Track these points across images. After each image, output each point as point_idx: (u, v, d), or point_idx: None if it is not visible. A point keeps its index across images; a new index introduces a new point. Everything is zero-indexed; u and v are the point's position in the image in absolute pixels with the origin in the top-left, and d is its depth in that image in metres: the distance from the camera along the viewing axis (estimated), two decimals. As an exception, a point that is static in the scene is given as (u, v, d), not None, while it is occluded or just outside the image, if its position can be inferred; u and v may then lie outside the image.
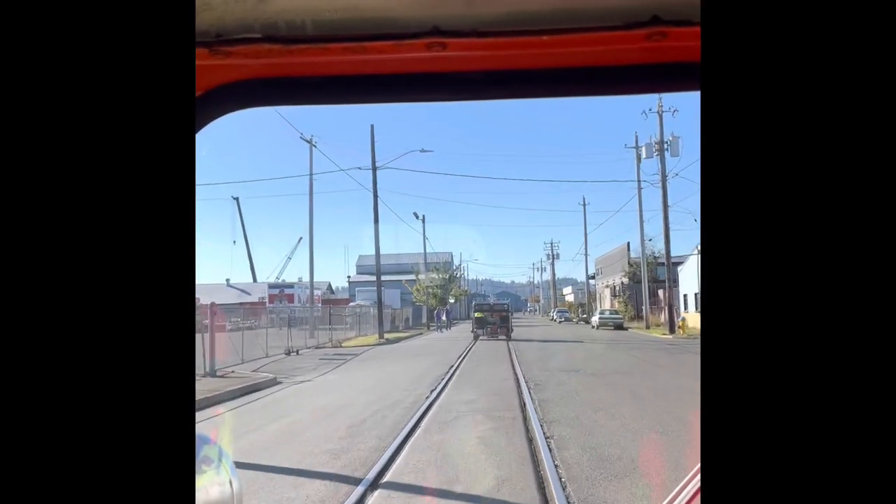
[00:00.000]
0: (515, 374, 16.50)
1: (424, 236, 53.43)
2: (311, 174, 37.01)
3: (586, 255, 65.93)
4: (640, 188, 41.32)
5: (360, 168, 35.98)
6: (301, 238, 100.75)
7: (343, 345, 31.40)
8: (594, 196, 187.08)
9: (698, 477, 1.49)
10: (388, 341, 33.66)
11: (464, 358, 21.81)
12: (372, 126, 34.72)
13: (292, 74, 1.19)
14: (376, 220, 35.62)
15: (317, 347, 29.47)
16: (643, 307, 52.56)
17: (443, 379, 15.59)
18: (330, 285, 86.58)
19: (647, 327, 40.80)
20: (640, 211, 41.71)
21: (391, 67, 1.18)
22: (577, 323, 60.32)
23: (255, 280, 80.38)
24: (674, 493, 1.59)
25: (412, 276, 60.56)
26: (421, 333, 43.66)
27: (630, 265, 58.19)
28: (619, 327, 43.58)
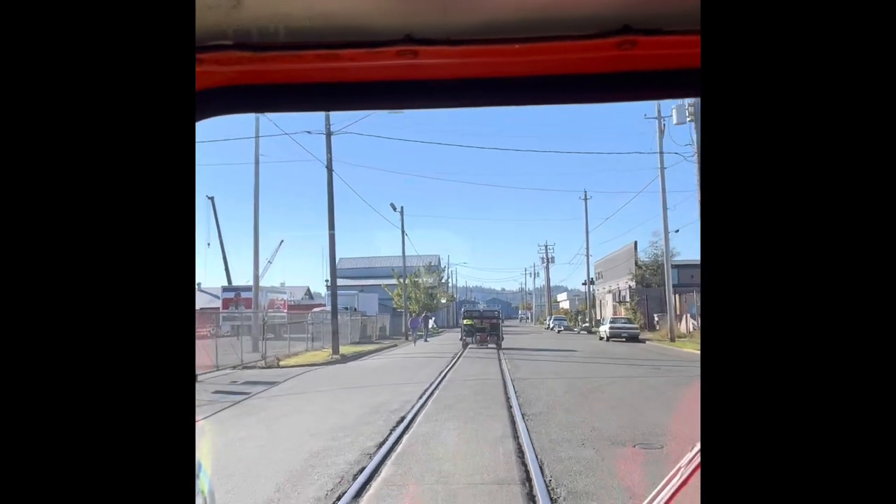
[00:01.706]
0: (522, 453, 7.56)
1: (403, 231, 44.61)
2: (256, 136, 27.97)
3: (588, 254, 57.18)
4: (662, 167, 32.48)
5: (310, 132, 26.62)
6: (282, 241, 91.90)
7: (282, 363, 22.43)
8: (597, 191, 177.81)
9: (684, 469, 1.55)
10: (343, 358, 24.67)
11: (431, 395, 12.81)
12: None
13: (264, 82, 1.16)
14: (330, 198, 26.57)
15: (242, 367, 20.60)
16: (654, 315, 43.72)
17: (357, 475, 6.61)
18: (308, 290, 78.05)
19: (673, 340, 31.89)
20: (664, 191, 32.74)
21: (364, 75, 1.16)
22: (578, 333, 51.26)
23: (230, 284, 72.46)
24: (661, 484, 1.58)
25: (393, 281, 51.75)
26: (395, 345, 34.55)
27: (638, 267, 49.38)
28: (635, 339, 34.64)
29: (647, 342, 33.83)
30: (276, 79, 1.15)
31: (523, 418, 9.86)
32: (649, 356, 23.96)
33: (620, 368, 18.80)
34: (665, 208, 32.57)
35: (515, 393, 12.82)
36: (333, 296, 27.18)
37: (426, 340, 38.53)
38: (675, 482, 1.55)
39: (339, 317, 35.43)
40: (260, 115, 27.46)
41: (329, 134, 26.52)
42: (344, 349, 28.18)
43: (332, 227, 26.56)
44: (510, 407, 11.11)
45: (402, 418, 10.00)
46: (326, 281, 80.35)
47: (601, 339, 37.30)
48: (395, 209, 44.15)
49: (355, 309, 46.39)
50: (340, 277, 75.39)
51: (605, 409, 10.86)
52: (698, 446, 1.55)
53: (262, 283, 66.33)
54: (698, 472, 1.49)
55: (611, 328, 35.73)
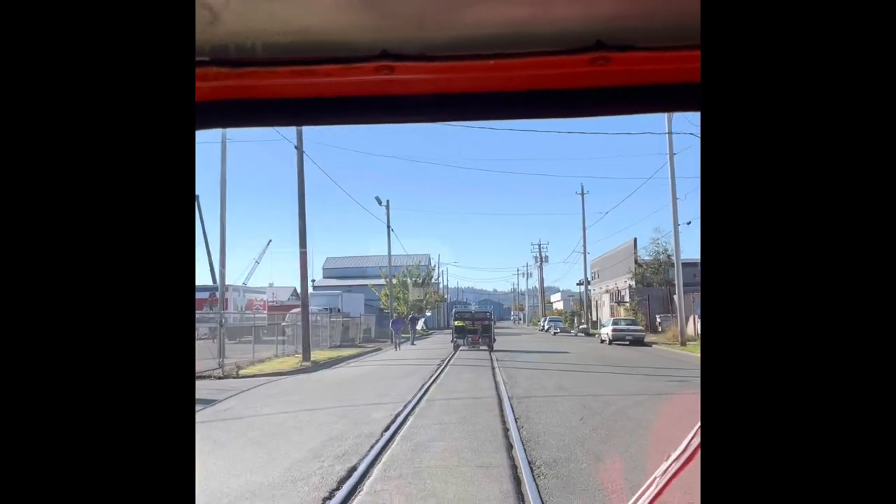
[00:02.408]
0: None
1: (389, 226, 41.06)
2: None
3: (584, 251, 53.63)
4: (671, 152, 29.06)
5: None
6: (270, 241, 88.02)
7: (242, 372, 19.03)
8: (600, 178, 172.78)
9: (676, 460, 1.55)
10: (315, 365, 21.26)
11: (402, 424, 9.40)
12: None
13: (241, 97, 1.14)
14: (301, 181, 23.09)
15: (196, 377, 17.11)
16: (656, 316, 40.48)
17: None
18: (296, 290, 74.42)
19: (683, 343, 28.58)
20: (673, 178, 29.23)
21: (341, 90, 1.14)
22: (575, 335, 47.88)
23: (214, 283, 68.78)
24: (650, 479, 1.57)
25: (381, 281, 48.33)
26: (379, 349, 31.05)
27: (638, 265, 46.10)
28: (640, 342, 31.31)
29: (654, 346, 30.53)
30: (254, 94, 1.13)
31: (533, 473, 6.45)
32: (663, 363, 20.61)
33: (637, 381, 15.42)
34: (675, 198, 29.17)
35: (516, 421, 9.42)
36: (304, 298, 23.67)
37: (413, 343, 35.08)
38: (651, 492, 1.51)
39: (318, 318, 32.03)
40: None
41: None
42: (319, 355, 24.76)
43: (302, 215, 23.06)
44: (510, 448, 7.71)
45: (351, 471, 6.59)
46: (313, 281, 77.11)
47: (602, 342, 33.96)
48: (380, 203, 40.69)
49: (339, 310, 42.98)
50: (331, 278, 72.05)
51: (646, 453, 7.46)
52: (674, 455, 1.58)
53: (249, 283, 63.18)
54: (674, 481, 1.53)
55: (613, 330, 32.32)
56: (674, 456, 1.58)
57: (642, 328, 33.60)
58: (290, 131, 23.30)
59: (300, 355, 23.01)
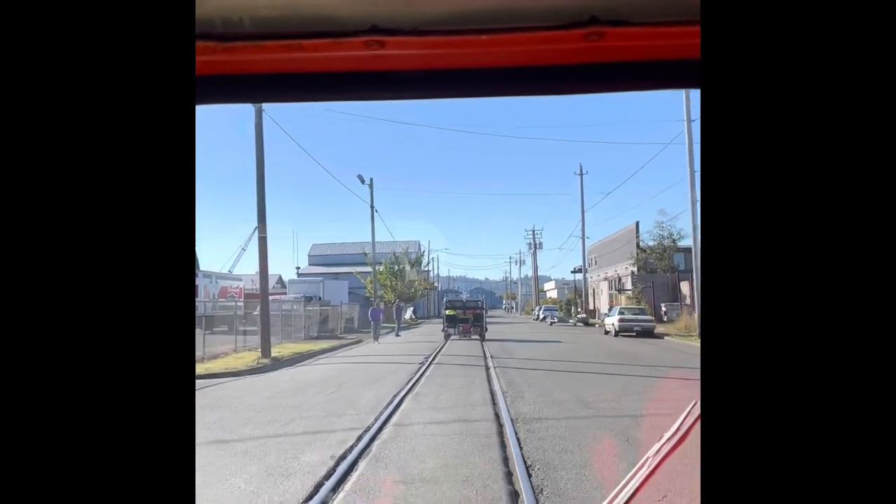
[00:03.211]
0: None
1: (372, 207, 37.09)
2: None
3: (583, 236, 49.70)
4: (688, 118, 25.20)
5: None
6: (256, 228, 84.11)
7: (184, 371, 15.25)
8: (593, 164, 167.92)
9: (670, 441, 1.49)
10: (274, 363, 17.54)
11: (345, 477, 5.68)
12: None
13: (228, 72, 1.12)
14: (259, 145, 19.19)
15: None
16: (660, 305, 36.90)
17: None
18: (281, 278, 70.68)
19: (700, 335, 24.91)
20: (690, 143, 25.24)
21: (330, 66, 1.12)
22: (574, 325, 44.20)
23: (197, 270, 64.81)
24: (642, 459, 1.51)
25: (368, 269, 44.55)
26: (359, 342, 27.26)
27: (641, 250, 42.45)
28: (649, 333, 27.70)
29: (666, 338, 26.93)
30: (240, 69, 1.11)
31: None
32: (690, 361, 16.89)
33: (677, 390, 11.72)
34: (692, 170, 25.37)
35: (529, 477, 5.68)
36: (263, 286, 19.81)
37: (397, 335, 31.35)
38: (643, 472, 1.48)
39: (294, 307, 28.32)
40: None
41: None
42: (287, 348, 21.06)
43: (261, 191, 19.20)
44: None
45: None
46: (297, 268, 73.14)
47: (606, 332, 30.34)
48: (363, 182, 36.76)
49: (320, 298, 39.20)
50: (317, 265, 68.12)
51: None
52: (666, 436, 1.52)
53: (235, 271, 59.27)
54: (668, 460, 1.49)
55: (620, 321, 28.64)
56: (667, 436, 1.52)
57: (651, 318, 29.93)
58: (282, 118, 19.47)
59: (268, 349, 19.26)
